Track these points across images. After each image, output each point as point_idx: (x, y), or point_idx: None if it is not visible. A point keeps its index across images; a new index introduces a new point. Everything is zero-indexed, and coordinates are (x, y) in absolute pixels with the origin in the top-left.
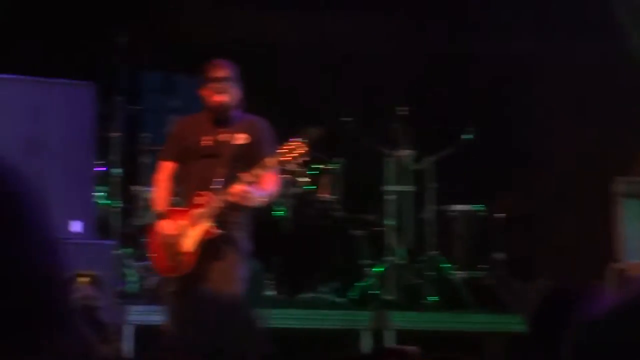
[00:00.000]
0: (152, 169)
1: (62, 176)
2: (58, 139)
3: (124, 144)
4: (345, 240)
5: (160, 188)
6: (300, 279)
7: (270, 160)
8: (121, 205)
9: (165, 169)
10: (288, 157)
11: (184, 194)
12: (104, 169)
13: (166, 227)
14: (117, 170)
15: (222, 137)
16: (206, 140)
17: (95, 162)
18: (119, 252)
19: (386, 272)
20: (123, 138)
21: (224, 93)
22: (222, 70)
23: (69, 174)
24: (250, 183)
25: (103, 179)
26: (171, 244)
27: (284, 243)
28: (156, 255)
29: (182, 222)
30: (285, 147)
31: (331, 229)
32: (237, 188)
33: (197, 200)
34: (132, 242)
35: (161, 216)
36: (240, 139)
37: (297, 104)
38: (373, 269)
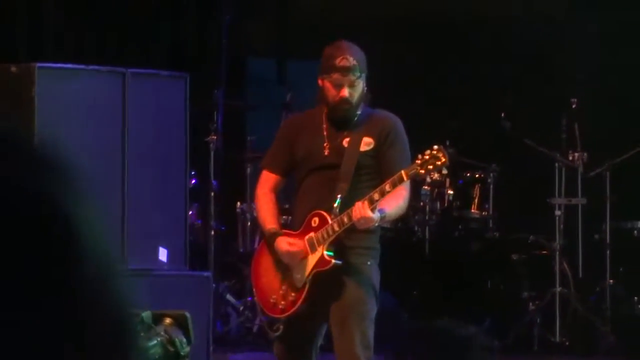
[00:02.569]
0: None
1: (148, 190)
2: (142, 143)
3: (224, 150)
4: (502, 267)
5: (266, 203)
6: (445, 316)
7: (405, 174)
8: (221, 227)
9: (269, 181)
10: (426, 169)
11: (295, 214)
12: (198, 181)
13: (277, 251)
14: (216, 183)
15: (344, 142)
16: (325, 148)
17: (189, 173)
18: (217, 286)
19: (553, 307)
20: (223, 142)
21: (351, 87)
22: (350, 57)
23: (156, 186)
24: (375, 202)
25: (198, 194)
26: (280, 275)
27: (423, 272)
28: (261, 288)
29: (294, 248)
30: (423, 156)
31: (483, 254)
32: (362, 211)
33: (312, 221)
34: (234, 274)
35: (272, 237)
36: (366, 144)
37: (442, 95)
38: (536, 303)
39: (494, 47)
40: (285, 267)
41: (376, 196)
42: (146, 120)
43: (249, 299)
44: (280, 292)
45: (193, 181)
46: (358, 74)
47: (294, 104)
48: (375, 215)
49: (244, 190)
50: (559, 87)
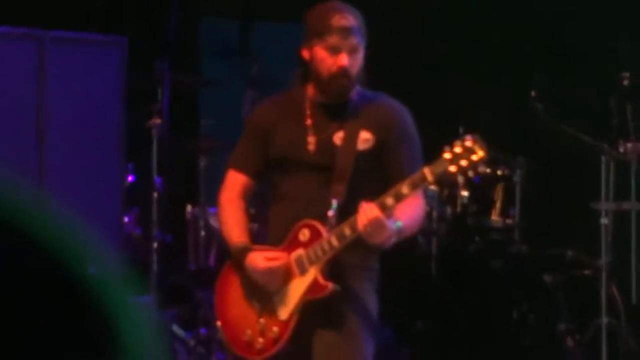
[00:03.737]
0: (217, 179)
1: (71, 189)
2: (65, 127)
3: (171, 138)
4: (532, 291)
5: (233, 211)
6: (459, 354)
7: (430, 172)
8: (166, 238)
9: (237, 185)
10: (459, 165)
11: (272, 226)
12: (137, 178)
13: (250, 271)
14: (160, 181)
15: (336, 137)
16: (309, 142)
17: (125, 167)
18: (162, 314)
19: (598, 343)
20: (170, 128)
21: (351, 55)
22: (350, 16)
23: (82, 184)
24: (389, 209)
25: (137, 195)
26: (257, 305)
27: (429, 296)
28: (231, 322)
29: (275, 263)
30: (452, 149)
31: (507, 273)
32: (369, 215)
33: (300, 234)
34: (183, 299)
35: (241, 254)
36: (364, 140)
37: (456, 76)
38: (576, 338)
39: (520, 8)
40: (262, 293)
41: (390, 201)
42: (69, 99)
43: (202, 331)
44: (258, 326)
45: (130, 178)
46: (360, 38)
47: (261, 79)
48: (392, 225)
49: (197, 189)
50: (605, 58)
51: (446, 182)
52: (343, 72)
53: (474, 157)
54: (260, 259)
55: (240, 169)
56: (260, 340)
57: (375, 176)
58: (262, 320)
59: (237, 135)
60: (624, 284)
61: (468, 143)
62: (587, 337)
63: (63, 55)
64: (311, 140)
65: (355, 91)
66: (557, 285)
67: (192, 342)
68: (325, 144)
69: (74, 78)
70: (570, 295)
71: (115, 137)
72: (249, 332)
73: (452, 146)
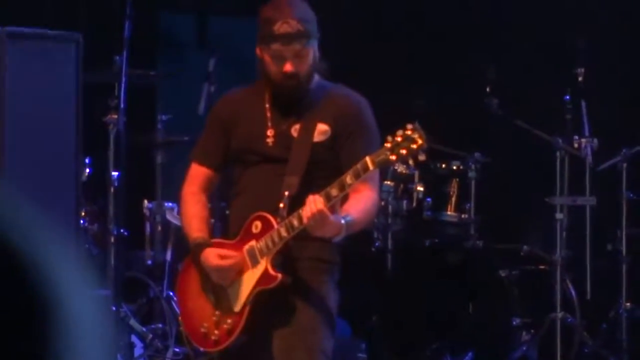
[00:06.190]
0: (174, 174)
1: (27, 183)
2: (20, 122)
3: (128, 133)
4: (487, 286)
5: (193, 205)
6: (414, 349)
7: (371, 160)
8: (123, 232)
9: (199, 177)
10: (398, 154)
11: (231, 218)
12: (93, 172)
13: (204, 267)
14: (117, 176)
15: (293, 130)
16: (267, 136)
17: (81, 162)
18: (118, 308)
19: (553, 338)
20: (127, 122)
21: (297, 58)
22: (293, 20)
23: (38, 179)
24: (333, 199)
25: (94, 189)
26: (212, 298)
27: (385, 292)
28: (189, 315)
29: (226, 262)
30: (394, 138)
31: (463, 269)
32: (313, 207)
33: (253, 226)
34: (140, 293)
35: (198, 249)
36: (321, 132)
37: (408, 67)
38: (531, 332)
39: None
40: (218, 287)
41: (334, 191)
42: (25, 94)
43: (160, 325)
44: (213, 318)
45: (87, 171)
46: (305, 41)
47: (219, 73)
48: (338, 219)
49: (154, 184)
50: (560, 54)
51: (399, 176)
52: (289, 77)
53: (414, 146)
54: (213, 256)
55: (202, 162)
56: (216, 332)
57: (331, 168)
58: (217, 313)
59: (194, 130)
60: (579, 279)
61: (408, 132)
62: (542, 332)
63: (18, 51)
64: (270, 133)
65: (315, 82)
66: (512, 281)
67: (149, 336)
68: (283, 136)
69: (29, 73)
70: (525, 290)
71: (71, 133)
72: (205, 324)
73: (394, 135)
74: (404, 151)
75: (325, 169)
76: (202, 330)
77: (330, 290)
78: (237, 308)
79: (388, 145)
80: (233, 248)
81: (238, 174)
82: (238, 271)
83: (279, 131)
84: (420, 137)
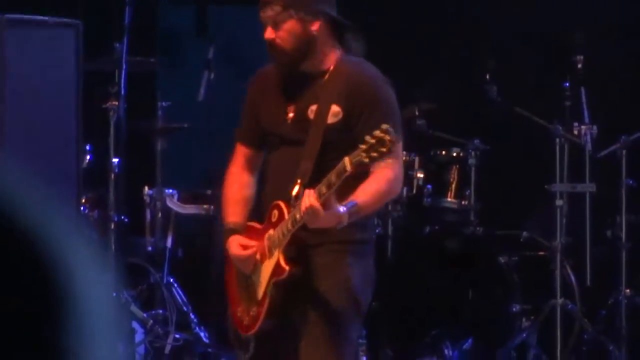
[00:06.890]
0: (174, 160)
1: (29, 168)
2: (20, 109)
3: (129, 120)
4: (487, 272)
5: (232, 185)
6: (414, 335)
7: (349, 162)
8: (124, 219)
9: (242, 156)
10: (370, 157)
11: (263, 202)
12: (94, 159)
13: (229, 255)
14: (118, 162)
15: (310, 111)
16: (287, 118)
17: (82, 149)
18: (119, 294)
19: (553, 324)
20: (128, 109)
21: (275, 27)
22: None
23: (38, 166)
24: (323, 196)
25: (94, 176)
26: (243, 284)
27: (384, 278)
28: (230, 300)
29: (245, 253)
30: (369, 140)
31: (463, 255)
32: (307, 202)
33: (272, 215)
34: (140, 279)
35: (226, 236)
36: (334, 114)
37: (409, 55)
38: (530, 319)
39: None
40: (245, 274)
41: (323, 189)
42: (25, 81)
43: (161, 311)
44: (243, 305)
45: (88, 158)
46: (280, 9)
47: (218, 61)
48: (336, 209)
49: (154, 171)
50: (559, 42)
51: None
52: (268, 45)
53: (383, 149)
54: (235, 245)
55: (242, 140)
56: (246, 317)
57: (340, 150)
58: (246, 299)
59: (194, 117)
60: (579, 266)
61: (379, 135)
62: (542, 318)
63: (19, 38)
64: (290, 115)
65: (338, 61)
66: (511, 267)
67: (149, 322)
68: (301, 116)
69: (29, 61)
70: (525, 276)
71: (71, 120)
72: (239, 309)
73: (371, 135)
74: (375, 154)
75: (335, 151)
76: (238, 315)
77: (355, 271)
78: (259, 297)
79: (363, 146)
80: (258, 235)
81: (267, 155)
82: (260, 259)
83: (298, 111)
84: (390, 140)
